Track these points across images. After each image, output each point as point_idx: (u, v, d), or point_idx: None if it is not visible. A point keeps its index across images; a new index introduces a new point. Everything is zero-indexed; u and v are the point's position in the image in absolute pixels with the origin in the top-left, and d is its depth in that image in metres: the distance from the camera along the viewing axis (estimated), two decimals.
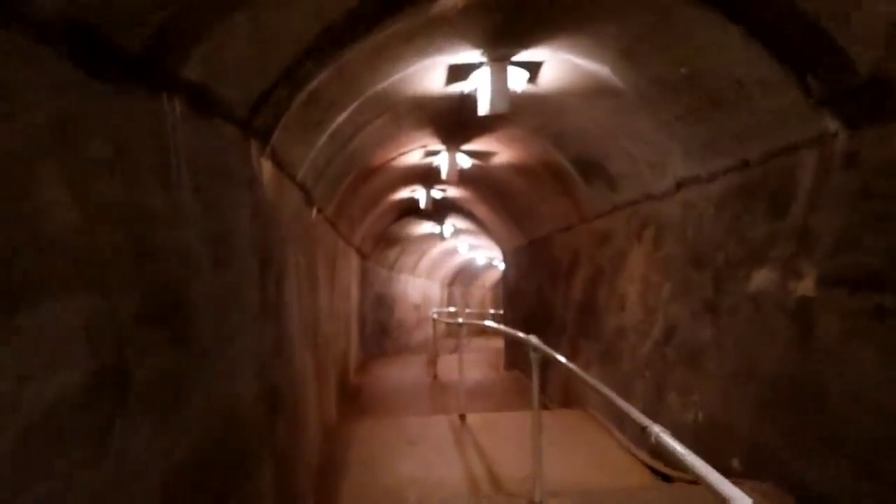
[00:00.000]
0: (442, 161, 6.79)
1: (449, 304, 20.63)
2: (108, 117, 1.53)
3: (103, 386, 1.46)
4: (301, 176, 3.84)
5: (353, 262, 9.60)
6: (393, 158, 6.59)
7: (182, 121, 1.93)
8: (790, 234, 3.09)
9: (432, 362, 10.63)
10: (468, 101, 4.53)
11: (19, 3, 1.18)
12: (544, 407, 6.02)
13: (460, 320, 6.41)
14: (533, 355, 3.30)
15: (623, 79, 3.77)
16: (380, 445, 5.05)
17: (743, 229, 3.48)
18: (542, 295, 8.20)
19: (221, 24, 1.89)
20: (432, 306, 17.25)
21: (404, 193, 9.15)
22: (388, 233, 11.99)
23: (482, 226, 11.54)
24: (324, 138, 3.84)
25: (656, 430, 1.52)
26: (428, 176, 7.82)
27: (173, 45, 1.74)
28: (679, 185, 4.20)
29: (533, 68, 4.06)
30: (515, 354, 9.71)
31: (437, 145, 6.48)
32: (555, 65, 3.99)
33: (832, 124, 2.73)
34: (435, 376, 9.92)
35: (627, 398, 4.98)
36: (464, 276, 22.60)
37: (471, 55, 3.82)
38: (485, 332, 12.79)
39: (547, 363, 3.46)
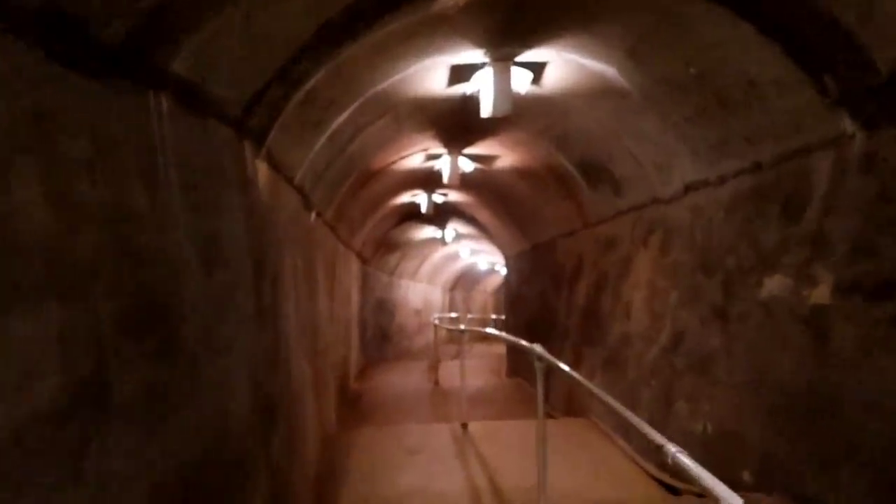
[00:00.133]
0: (443, 164, 6.69)
1: (450, 310, 20.50)
2: (87, 113, 1.43)
3: (80, 401, 1.36)
4: (299, 178, 3.75)
5: (354, 266, 9.50)
6: (394, 162, 6.50)
7: (170, 119, 1.83)
8: (804, 239, 2.98)
9: (433, 368, 10.51)
10: (470, 102, 4.44)
11: None
12: (548, 415, 5.89)
13: (462, 327, 6.29)
14: (537, 365, 3.19)
15: (629, 79, 3.67)
16: (380, 454, 4.94)
17: (754, 234, 3.37)
18: (544, 301, 8.09)
19: (211, 18, 1.79)
20: (433, 311, 17.12)
21: (405, 197, 9.06)
22: (389, 237, 11.89)
23: (484, 230, 11.45)
24: (322, 140, 3.74)
25: (673, 449, 1.42)
26: (429, 180, 7.72)
27: (159, 40, 1.64)
28: (687, 189, 4.10)
29: (537, 69, 3.96)
30: (518, 361, 9.60)
31: (438, 148, 6.39)
32: (559, 65, 3.89)
33: (849, 125, 2.63)
34: (436, 382, 9.80)
35: (633, 406, 4.90)
36: (465, 281, 22.49)
37: (473, 55, 3.73)
38: (487, 337, 12.70)
39: (551, 371, 3.36)
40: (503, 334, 5.23)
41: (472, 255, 16.99)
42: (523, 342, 3.69)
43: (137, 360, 1.61)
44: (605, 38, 3.34)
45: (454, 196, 9.31)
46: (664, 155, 4.17)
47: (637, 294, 5.05)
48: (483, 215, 10.27)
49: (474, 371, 10.74)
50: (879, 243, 2.53)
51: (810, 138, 2.88)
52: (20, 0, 1.16)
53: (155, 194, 1.75)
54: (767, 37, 2.66)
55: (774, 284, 3.21)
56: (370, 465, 4.70)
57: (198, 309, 1.99)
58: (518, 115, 4.62)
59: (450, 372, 9.77)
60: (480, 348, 15.47)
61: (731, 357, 3.60)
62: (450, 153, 6.53)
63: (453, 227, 12.20)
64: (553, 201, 6.97)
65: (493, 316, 17.58)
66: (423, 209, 9.06)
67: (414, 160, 6.70)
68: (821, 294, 2.89)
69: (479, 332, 6.51)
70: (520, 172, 6.99)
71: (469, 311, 22.23)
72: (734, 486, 1.42)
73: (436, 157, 6.70)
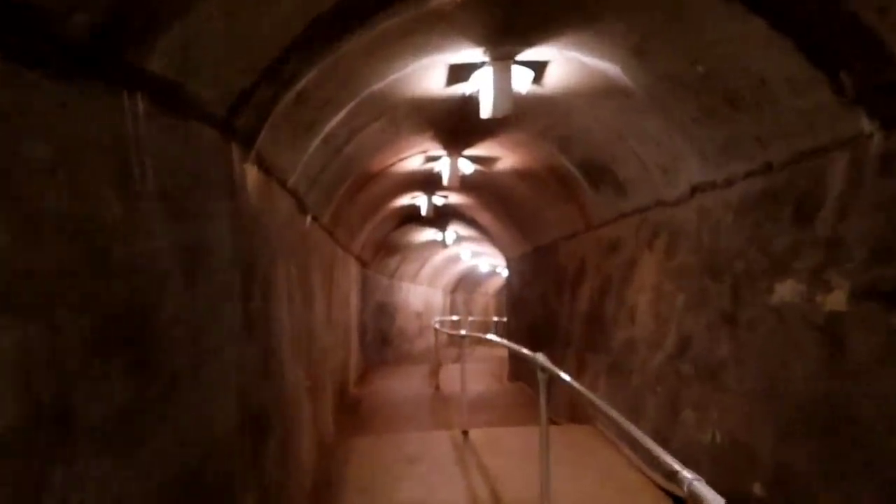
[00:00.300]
0: (443, 166, 6.58)
1: (452, 312, 20.38)
2: (50, 115, 1.32)
3: (41, 428, 1.24)
4: (292, 182, 3.63)
5: (353, 270, 9.39)
6: (392, 164, 6.38)
7: (147, 121, 1.71)
8: (818, 243, 2.86)
9: (434, 373, 10.39)
10: (470, 103, 4.32)
11: None
12: (551, 422, 5.77)
13: (463, 332, 6.17)
14: (540, 375, 3.07)
15: (633, 78, 3.55)
16: (379, 464, 4.83)
17: (765, 237, 3.25)
18: (546, 305, 7.97)
19: (188, 14, 1.67)
20: (434, 314, 17.00)
21: (405, 200, 8.95)
22: (388, 240, 11.78)
23: (485, 233, 11.33)
24: (317, 142, 3.63)
25: (689, 476, 1.30)
26: (429, 182, 7.61)
27: (132, 36, 1.52)
28: (694, 191, 3.98)
29: (538, 68, 3.84)
30: (520, 365, 9.47)
31: (437, 150, 6.27)
32: (561, 64, 3.77)
33: (867, 124, 2.51)
34: (437, 387, 9.68)
35: (638, 414, 4.79)
36: (467, 283, 22.37)
37: (472, 54, 3.60)
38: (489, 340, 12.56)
39: (554, 377, 3.23)
40: (504, 342, 5.11)
41: (473, 257, 16.88)
42: (526, 351, 3.57)
43: (109, 380, 1.49)
44: (608, 35, 3.22)
45: (454, 198, 9.19)
46: (670, 156, 4.04)
47: (641, 298, 4.93)
48: (484, 217, 10.16)
49: (476, 375, 10.62)
50: None
51: (824, 138, 2.75)
52: None
53: (130, 201, 1.63)
54: (780, 32, 2.54)
55: (786, 290, 3.09)
56: (369, 475, 4.58)
57: (179, 322, 1.87)
58: (519, 116, 4.51)
59: (451, 376, 9.65)
60: (482, 351, 15.33)
61: (741, 364, 3.48)
62: (449, 155, 6.42)
63: (454, 230, 12.08)
64: (555, 203, 6.85)
65: (495, 318, 17.44)
66: (424, 211, 8.95)
67: (413, 162, 6.58)
68: (836, 300, 2.76)
69: (481, 339, 6.38)
70: (521, 174, 6.87)
71: (471, 314, 22.11)
72: (745, 499, 1.31)
73: (435, 158, 6.58)
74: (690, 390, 4.03)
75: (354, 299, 9.76)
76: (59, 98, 1.34)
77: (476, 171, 6.93)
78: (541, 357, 3.11)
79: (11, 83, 1.20)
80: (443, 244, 12.83)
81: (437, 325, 10.58)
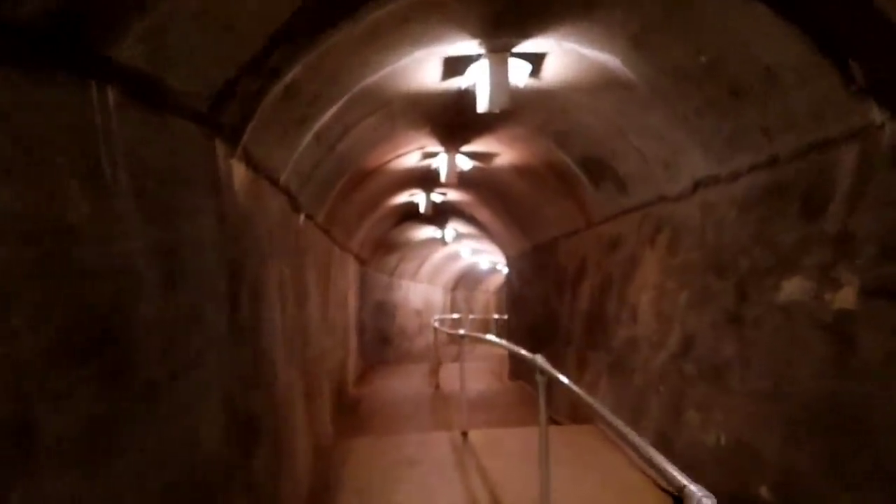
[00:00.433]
0: (441, 163, 6.47)
1: (452, 310, 20.27)
2: (3, 107, 1.22)
3: None
4: (284, 179, 3.53)
5: (351, 269, 9.29)
6: (389, 161, 6.27)
7: (119, 114, 1.61)
8: (826, 238, 2.76)
9: (434, 372, 10.30)
10: (466, 97, 4.21)
11: None
12: (553, 421, 5.68)
13: (462, 332, 6.07)
14: (539, 378, 2.97)
15: (634, 69, 3.44)
16: (377, 467, 4.74)
17: (771, 233, 3.15)
18: (547, 303, 7.86)
19: (160, 1, 1.57)
20: (435, 312, 16.90)
21: (403, 197, 8.84)
22: (387, 238, 11.67)
23: (485, 230, 11.22)
24: (308, 138, 3.52)
25: (698, 493, 1.20)
26: (427, 179, 7.50)
27: (97, 21, 1.42)
28: (697, 186, 3.87)
29: (535, 60, 3.73)
30: (520, 364, 9.37)
31: (435, 146, 6.16)
32: (559, 56, 3.66)
33: (878, 115, 2.40)
34: (437, 386, 9.59)
35: (640, 414, 4.69)
36: (467, 280, 22.26)
37: (468, 46, 3.50)
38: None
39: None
40: (503, 342, 5.01)
41: (473, 254, 16.78)
42: (524, 352, 3.48)
43: (75, 393, 1.39)
44: (607, 25, 3.12)
45: (453, 195, 9.08)
46: (672, 150, 3.94)
47: (643, 296, 4.83)
48: (483, 215, 10.05)
49: (476, 374, 10.53)
50: None
51: (833, 129, 2.65)
52: None
53: (100, 200, 1.53)
54: (786, 19, 2.43)
55: (793, 287, 2.98)
56: (366, 479, 4.50)
57: (156, 328, 1.77)
58: (516, 110, 4.40)
59: (451, 375, 9.55)
60: (483, 349, 15.22)
61: (746, 364, 3.38)
62: (447, 151, 6.31)
63: (453, 227, 11.98)
64: (554, 200, 6.75)
65: (496, 316, 17.34)
66: (422, 209, 8.85)
67: (410, 159, 6.48)
68: (845, 298, 2.66)
69: (480, 340, 6.28)
70: (519, 170, 6.77)
71: (471, 312, 22.01)
72: (752, 503, 1.22)
73: (433, 155, 6.47)
74: (694, 390, 3.94)
75: (353, 298, 9.65)
76: (14, 89, 1.24)
77: (474, 167, 6.83)
78: (539, 359, 3.01)
79: None
80: (442, 242, 12.73)
81: (436, 324, 10.47)
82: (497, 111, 3.73)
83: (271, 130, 2.88)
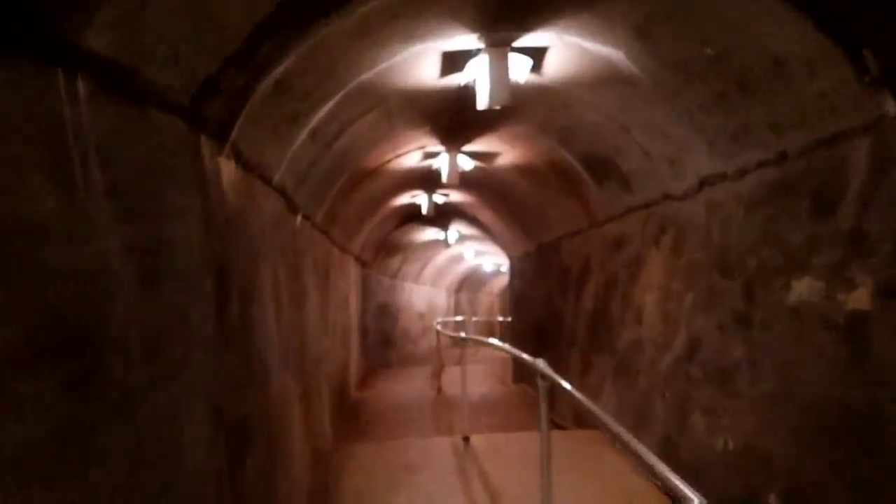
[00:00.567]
0: (442, 163, 6.37)
1: (456, 312, 20.15)
2: None
3: None
4: (278, 179, 3.43)
5: (352, 271, 9.20)
6: (389, 160, 6.18)
7: (90, 105, 1.52)
8: (838, 237, 2.65)
9: (436, 375, 10.19)
10: (466, 94, 4.11)
11: None
12: (556, 425, 5.58)
13: (463, 335, 5.97)
14: (541, 383, 2.87)
15: (638, 63, 3.34)
16: (377, 472, 4.65)
17: (780, 232, 3.04)
18: (550, 304, 7.76)
19: None
20: (438, 315, 16.79)
21: (405, 198, 8.74)
22: (389, 240, 11.58)
23: (487, 231, 11.12)
24: (303, 136, 3.43)
25: None
26: (428, 179, 7.40)
27: (61, 4, 1.33)
28: (702, 183, 3.77)
29: (537, 55, 3.63)
30: (523, 367, 9.23)
31: (436, 146, 6.07)
32: (561, 50, 3.56)
33: (892, 107, 2.30)
34: (439, 390, 9.49)
35: (645, 418, 4.58)
36: (471, 282, 22.15)
37: (466, 40, 3.40)
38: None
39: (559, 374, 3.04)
40: (505, 346, 4.93)
41: (476, 256, 16.68)
42: (526, 356, 3.38)
43: (40, 400, 1.30)
44: (609, 17, 3.02)
45: (455, 196, 8.98)
46: (676, 147, 3.83)
47: (648, 297, 4.72)
48: (485, 215, 9.95)
49: (478, 377, 10.42)
50: None
51: (845, 123, 2.54)
52: None
53: (68, 197, 1.44)
54: (796, 7, 2.33)
55: (804, 288, 2.88)
56: (366, 485, 4.41)
57: (134, 331, 1.68)
58: (517, 107, 4.31)
59: (454, 378, 9.45)
60: (486, 352, 15.10)
61: (755, 367, 3.28)
62: (448, 151, 6.21)
63: (456, 229, 11.88)
64: (557, 199, 6.64)
65: (500, 318, 17.22)
66: (424, 210, 8.75)
67: (411, 159, 6.38)
68: (859, 299, 2.56)
69: (482, 343, 6.19)
70: (521, 170, 6.67)
71: (475, 314, 21.89)
72: None
73: (434, 155, 6.38)
74: (700, 394, 3.83)
75: (354, 301, 9.56)
76: None
77: (476, 167, 6.73)
78: (541, 363, 2.91)
79: None
80: (445, 243, 12.63)
81: (438, 327, 10.36)
82: (497, 108, 3.63)
83: (262, 127, 2.79)
